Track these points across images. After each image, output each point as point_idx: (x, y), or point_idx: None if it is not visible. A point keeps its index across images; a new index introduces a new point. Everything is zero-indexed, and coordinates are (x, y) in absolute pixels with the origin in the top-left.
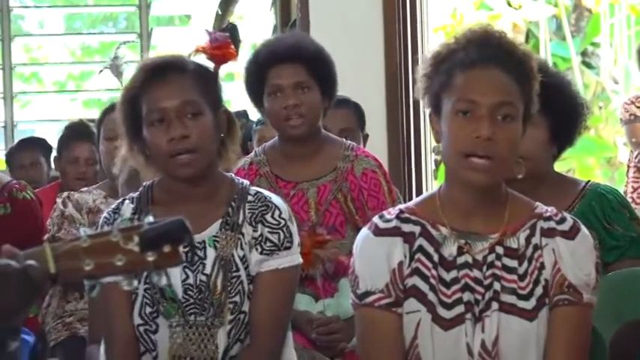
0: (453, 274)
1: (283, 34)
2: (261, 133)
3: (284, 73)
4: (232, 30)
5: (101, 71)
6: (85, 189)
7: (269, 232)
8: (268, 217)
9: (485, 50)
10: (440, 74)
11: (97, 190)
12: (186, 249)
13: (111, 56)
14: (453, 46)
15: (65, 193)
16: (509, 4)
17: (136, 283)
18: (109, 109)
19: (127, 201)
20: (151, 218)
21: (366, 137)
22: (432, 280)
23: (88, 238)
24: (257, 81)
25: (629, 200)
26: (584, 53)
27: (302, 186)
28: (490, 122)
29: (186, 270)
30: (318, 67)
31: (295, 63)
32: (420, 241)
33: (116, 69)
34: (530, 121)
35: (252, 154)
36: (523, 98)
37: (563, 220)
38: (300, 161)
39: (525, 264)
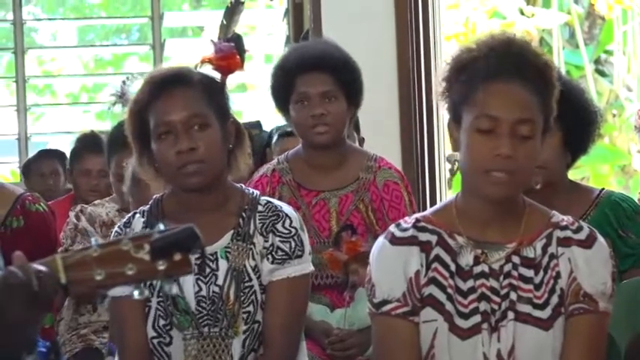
0: (470, 283)
1: (311, 41)
2: (285, 145)
3: (311, 81)
4: (237, 40)
5: (109, 108)
6: (98, 201)
7: (280, 241)
8: (279, 226)
9: (506, 61)
10: (460, 83)
11: (109, 202)
12: (199, 260)
13: (117, 93)
14: (475, 52)
15: (78, 207)
16: (522, 13)
17: (147, 292)
18: (119, 127)
19: (137, 215)
20: (161, 226)
21: (362, 141)
22: (449, 290)
23: (98, 248)
24: (283, 88)
25: None
26: (597, 61)
27: (324, 195)
28: (511, 140)
29: (199, 282)
30: (345, 77)
31: (322, 72)
32: (437, 250)
33: (126, 104)
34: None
35: (275, 161)
36: (543, 111)
37: (579, 229)
38: (324, 170)
39: (541, 273)
